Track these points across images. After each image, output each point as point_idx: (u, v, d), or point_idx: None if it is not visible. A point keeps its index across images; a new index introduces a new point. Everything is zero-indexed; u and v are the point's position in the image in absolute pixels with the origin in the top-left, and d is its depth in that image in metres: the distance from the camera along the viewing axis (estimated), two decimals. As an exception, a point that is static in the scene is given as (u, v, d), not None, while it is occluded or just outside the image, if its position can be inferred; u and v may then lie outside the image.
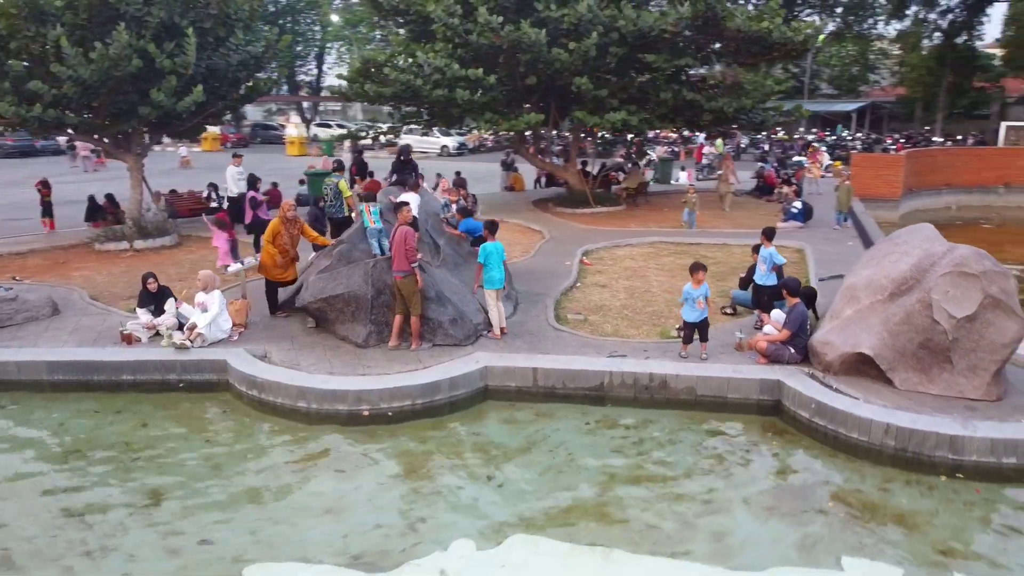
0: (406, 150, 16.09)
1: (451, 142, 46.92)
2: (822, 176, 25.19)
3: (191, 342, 9.42)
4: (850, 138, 41.84)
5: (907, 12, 45.87)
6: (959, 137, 40.84)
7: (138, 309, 10.20)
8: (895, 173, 23.59)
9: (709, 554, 5.93)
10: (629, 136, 24.91)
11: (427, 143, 44.61)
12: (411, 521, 6.44)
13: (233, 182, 16.70)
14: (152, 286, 10.12)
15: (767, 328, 9.23)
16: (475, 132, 40.29)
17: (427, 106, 20.79)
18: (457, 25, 18.45)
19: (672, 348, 9.43)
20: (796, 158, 32.00)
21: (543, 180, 27.33)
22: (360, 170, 23.02)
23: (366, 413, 8.22)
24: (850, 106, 49.41)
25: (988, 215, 25.64)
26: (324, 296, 9.72)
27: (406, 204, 9.71)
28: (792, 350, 8.69)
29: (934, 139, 40.45)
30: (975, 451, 6.92)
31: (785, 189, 23.81)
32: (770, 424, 8.15)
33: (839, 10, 48.92)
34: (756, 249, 10.88)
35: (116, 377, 9.17)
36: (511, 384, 8.84)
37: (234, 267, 11.04)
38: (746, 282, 11.28)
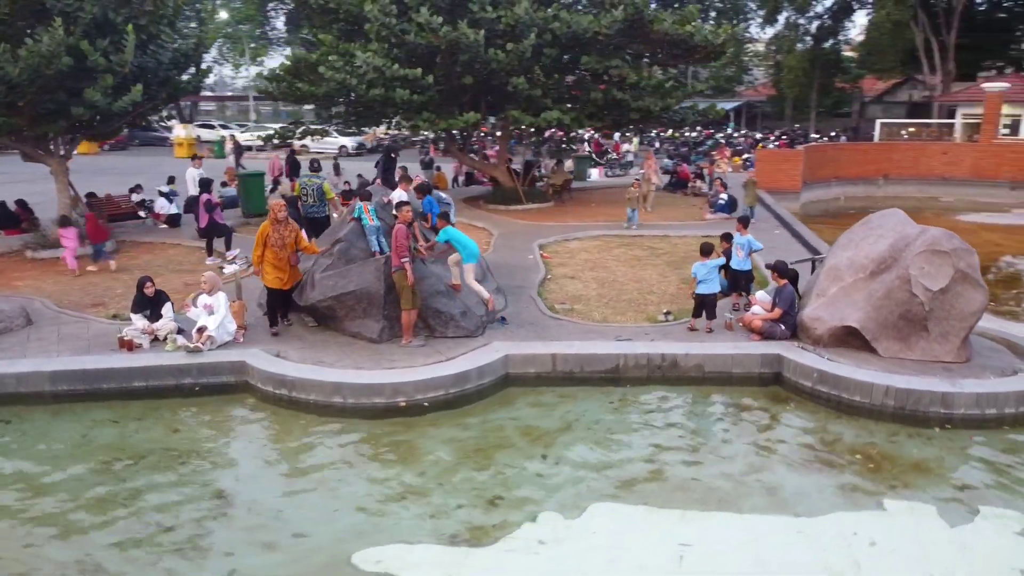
0: (394, 148, 16.17)
1: (350, 142, 46.40)
2: (728, 171, 26.88)
3: (202, 345, 9.30)
4: (736, 136, 44.46)
5: (778, 18, 49.23)
6: (833, 133, 44.23)
7: (133, 315, 9.93)
8: (795, 167, 25.53)
9: (769, 506, 6.63)
10: (558, 135, 25.70)
11: (326, 144, 43.91)
12: (488, 500, 6.80)
13: (193, 184, 16.23)
14: (149, 290, 9.88)
15: (755, 308, 10.11)
16: (372, 132, 40.09)
17: (361, 106, 20.76)
18: (394, 25, 18.59)
19: (669, 330, 10.17)
20: (699, 153, 33.87)
21: (460, 179, 27.72)
22: (293, 169, 22.78)
23: (403, 404, 8.46)
24: (728, 105, 52.48)
25: (873, 205, 28.10)
26: (335, 294, 9.82)
27: (407, 203, 9.97)
28: (783, 327, 9.59)
29: (811, 136, 43.59)
30: (963, 405, 7.99)
31: (698, 183, 25.38)
32: (773, 393, 9.00)
33: (713, 14, 51.91)
34: (726, 238, 11.79)
35: (127, 384, 8.95)
36: (531, 370, 9.29)
37: (229, 268, 10.87)
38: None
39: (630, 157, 32.56)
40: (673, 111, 21.13)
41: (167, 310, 9.93)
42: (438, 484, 7.07)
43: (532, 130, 23.42)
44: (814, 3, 45.96)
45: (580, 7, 20.95)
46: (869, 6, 47.23)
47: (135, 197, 19.45)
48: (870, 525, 6.27)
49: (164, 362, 9.07)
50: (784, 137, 43.72)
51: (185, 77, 18.90)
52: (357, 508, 6.68)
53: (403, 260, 9.42)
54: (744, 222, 11.30)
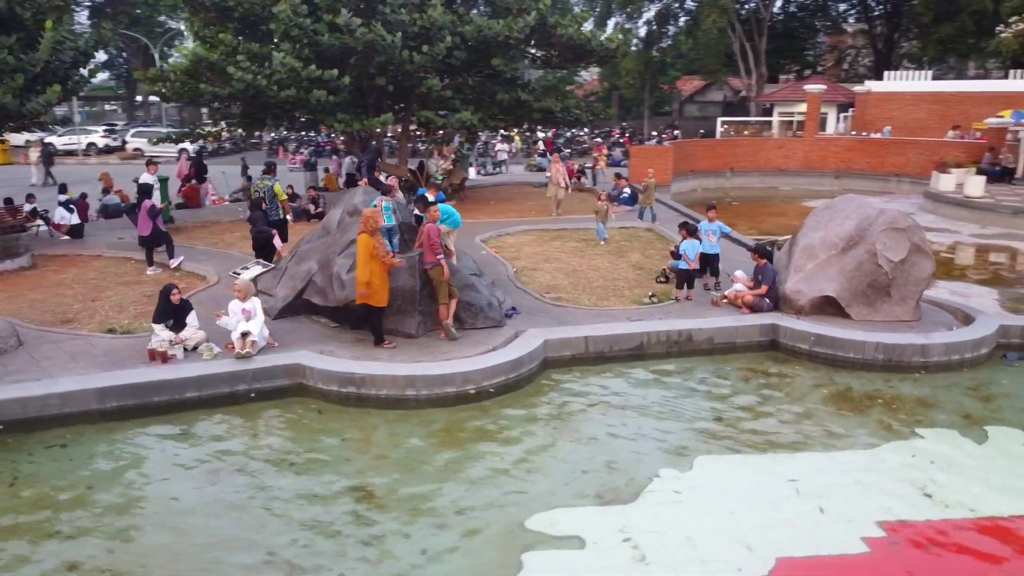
0: (379, 149, 16.09)
1: (191, 146, 44.09)
2: (606, 167, 28.83)
3: (251, 350, 9.25)
4: (582, 134, 47.01)
5: (608, 22, 52.54)
6: (676, 132, 47.92)
7: (156, 325, 9.62)
8: (666, 162, 27.87)
9: (833, 444, 7.93)
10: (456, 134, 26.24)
11: (164, 147, 41.52)
12: (605, 463, 7.58)
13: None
14: (176, 298, 9.63)
15: (738, 285, 11.52)
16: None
17: (265, 108, 20.35)
18: (308, 25, 18.50)
19: (661, 310, 11.36)
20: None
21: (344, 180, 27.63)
22: (199, 171, 21.87)
23: (472, 391, 8.98)
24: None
25: (725, 195, 31.16)
26: (369, 293, 10.06)
27: (434, 204, 10.43)
28: (768, 301, 11.06)
29: (652, 133, 47.05)
30: (936, 353, 9.79)
31: (582, 180, 27.04)
32: (773, 357, 10.43)
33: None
34: (684, 227, 13.18)
35: (180, 395, 8.76)
36: (566, 353, 10.10)
37: (250, 272, 10.69)
38: (677, 255, 13.49)
39: (503, 156, 33.74)
40: (571, 111, 22.51)
41: (192, 319, 9.73)
42: (551, 457, 7.74)
43: (440, 131, 23.86)
44: (644, 9, 49.55)
45: (481, 10, 21.71)
46: (689, 14, 51.76)
47: (27, 207, 17.89)
48: (920, 449, 7.73)
49: (217, 370, 8.96)
50: (625, 135, 46.89)
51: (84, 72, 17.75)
52: (496, 484, 7.20)
53: (438, 256, 9.88)
54: (713, 208, 12.72)
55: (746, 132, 36.81)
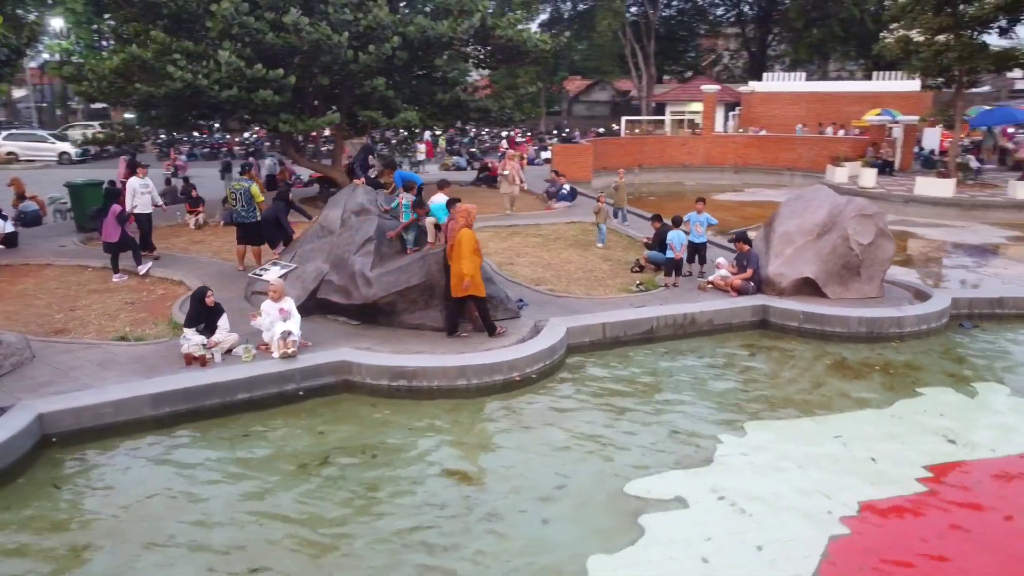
0: (371, 148, 15.95)
1: (72, 149, 41.69)
2: (527, 165, 29.60)
3: (295, 350, 9.31)
4: (483, 134, 47.76)
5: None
6: (577, 132, 49.40)
7: (187, 328, 9.49)
8: (587, 160, 29.01)
9: (856, 405, 8.93)
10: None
11: (39, 149, 39.15)
12: (667, 434, 8.25)
13: (131, 197, 14.59)
14: (210, 300, 9.53)
15: (722, 271, 12.50)
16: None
17: (207, 108, 19.77)
18: (252, 24, 18.22)
19: (657, 296, 12.18)
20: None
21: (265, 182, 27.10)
22: (132, 171, 20.95)
23: (518, 378, 9.44)
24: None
25: (636, 190, 32.66)
26: (398, 289, 10.31)
27: (459, 200, 10.78)
28: (752, 284, 12.09)
29: (553, 132, 48.38)
30: (908, 324, 11.08)
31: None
32: (765, 334, 11.44)
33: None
34: (656, 218, 14.11)
35: (230, 398, 8.74)
36: (586, 339, 10.71)
37: (274, 271, 10.61)
38: (650, 246, 14.36)
39: (420, 156, 33.89)
40: (506, 111, 23.10)
41: (224, 321, 9.65)
42: (614, 433, 8.32)
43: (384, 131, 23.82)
44: (540, 11, 50.84)
45: (418, 10, 21.93)
46: (579, 16, 53.56)
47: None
48: (927, 405, 8.86)
49: (266, 371, 8.98)
50: (529, 135, 47.98)
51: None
52: (579, 458, 7.72)
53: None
54: (703, 200, 13.67)
55: (658, 131, 38.56)
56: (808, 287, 11.95)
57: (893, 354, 10.58)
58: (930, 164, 31.72)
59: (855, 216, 11.87)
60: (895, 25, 27.83)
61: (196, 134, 41.04)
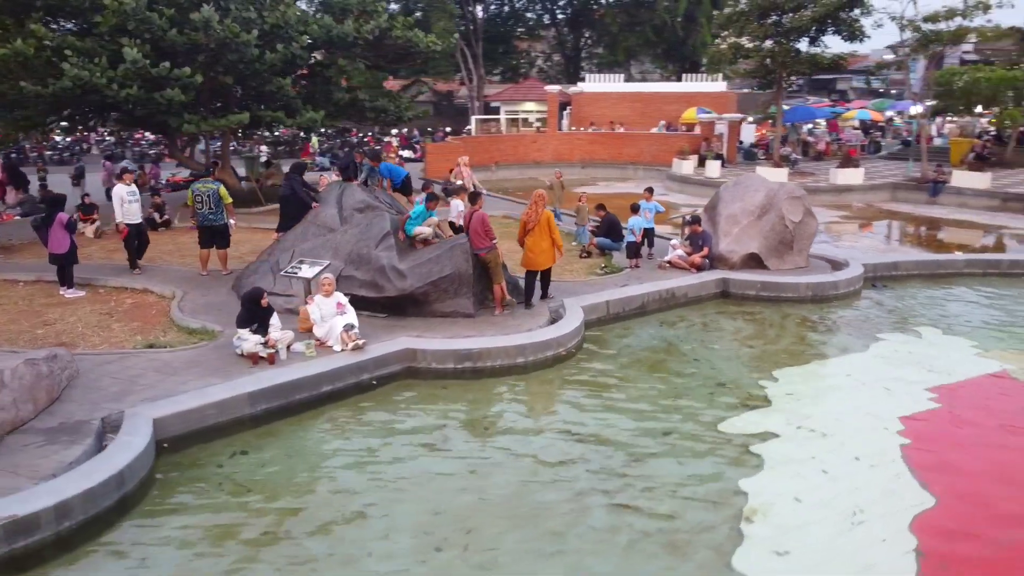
0: (360, 152, 15.67)
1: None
2: (400, 163, 30.08)
3: (361, 341, 9.65)
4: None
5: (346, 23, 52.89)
6: (429, 129, 50.05)
7: (242, 329, 9.50)
8: (460, 156, 29.87)
9: (845, 352, 10.81)
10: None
11: None
12: (716, 385, 9.63)
13: (124, 205, 13.40)
14: (265, 302, 9.59)
15: (679, 252, 14.15)
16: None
17: (100, 108, 18.56)
18: (155, 20, 17.52)
19: (631, 277, 13.62)
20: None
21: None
22: (15, 179, 19.26)
23: (564, 352, 10.42)
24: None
25: (495, 186, 34.07)
26: (432, 280, 10.87)
27: (480, 194, 11.54)
28: (708, 261, 13.87)
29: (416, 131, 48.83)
30: (842, 287, 13.33)
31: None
32: (729, 303, 13.23)
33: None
34: (601, 207, 15.57)
35: (317, 391, 8.98)
36: (594, 316, 11.86)
37: (312, 269, 10.65)
38: (597, 232, 15.75)
39: (264, 157, 33.07)
40: (402, 111, 23.57)
41: (276, 319, 9.76)
42: (674, 387, 9.58)
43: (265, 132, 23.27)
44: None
45: (319, 10, 21.85)
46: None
47: None
48: (894, 347, 10.95)
49: (345, 363, 9.28)
50: (401, 135, 48.12)
51: None
52: (662, 412, 8.88)
53: (493, 241, 11.07)
54: (651, 191, 15.21)
55: (493, 130, 40.17)
56: (752, 261, 13.90)
57: (841, 311, 12.75)
58: (750, 156, 36.06)
59: (787, 198, 13.99)
60: (725, 32, 31.34)
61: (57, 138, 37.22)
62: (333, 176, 17.05)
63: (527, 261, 11.58)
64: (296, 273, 10.61)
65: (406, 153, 39.68)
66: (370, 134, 46.90)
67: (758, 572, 5.94)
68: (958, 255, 16.08)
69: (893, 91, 69.39)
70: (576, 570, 6.02)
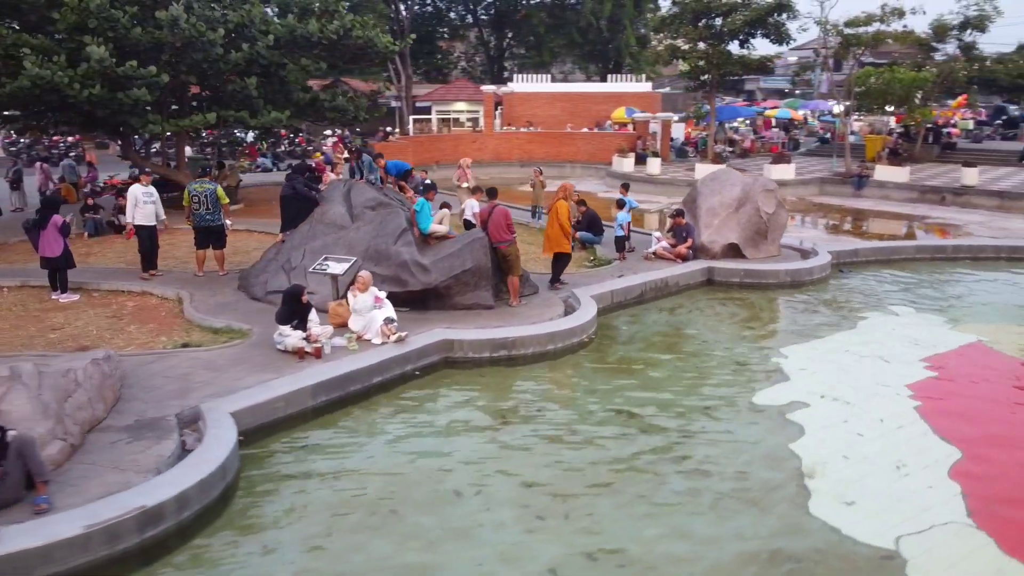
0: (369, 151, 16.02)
1: None
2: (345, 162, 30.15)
3: (401, 334, 9.95)
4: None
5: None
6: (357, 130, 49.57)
7: (283, 326, 9.66)
8: (405, 157, 30.06)
9: (834, 329, 11.77)
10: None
11: None
12: (736, 364, 10.40)
13: (138, 206, 12.96)
14: (305, 299, 9.76)
15: (663, 243, 14.95)
16: None
17: (58, 108, 17.95)
18: (120, 18, 17.16)
19: (624, 268, 14.34)
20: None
21: (46, 190, 24.65)
22: None
23: (586, 339, 11.00)
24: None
25: (441, 184, 34.38)
26: (454, 273, 11.24)
27: (495, 193, 12.05)
28: (692, 252, 14.73)
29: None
30: (815, 273, 14.41)
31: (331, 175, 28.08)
32: (716, 290, 14.10)
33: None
34: (582, 203, 16.23)
35: (368, 382, 9.25)
36: (600, 305, 12.44)
37: (340, 266, 10.80)
38: (579, 227, 16.36)
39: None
40: (361, 111, 23.62)
41: (314, 315, 9.95)
42: (698, 365, 10.31)
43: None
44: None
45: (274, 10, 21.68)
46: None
47: None
48: (878, 324, 11.99)
49: (390, 354, 9.57)
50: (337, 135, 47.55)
51: None
52: (694, 387, 9.58)
53: (513, 235, 11.55)
54: (627, 186, 15.93)
55: (425, 130, 40.48)
56: (732, 250, 14.84)
57: (818, 294, 13.80)
58: (682, 154, 37.57)
59: (762, 192, 15.00)
60: (660, 35, 32.62)
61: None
62: (333, 175, 17.08)
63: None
64: (325, 270, 10.78)
65: (345, 154, 39.37)
66: (301, 134, 46.23)
67: (834, 519, 6.66)
68: (908, 242, 17.53)
69: (798, 91, 73.25)
70: (674, 529, 6.59)
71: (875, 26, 28.16)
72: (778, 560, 6.10)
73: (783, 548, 6.26)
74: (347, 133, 49.29)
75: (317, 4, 20.82)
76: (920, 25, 30.97)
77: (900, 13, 27.83)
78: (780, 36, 30.09)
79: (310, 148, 44.19)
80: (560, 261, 12.77)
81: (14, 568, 5.46)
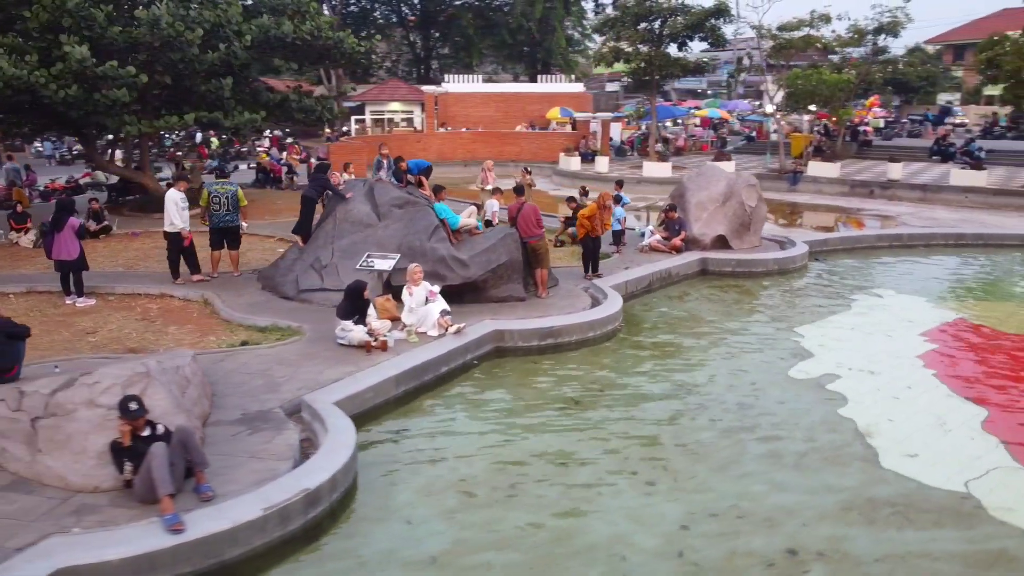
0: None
1: None
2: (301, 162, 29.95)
3: (460, 325, 10.40)
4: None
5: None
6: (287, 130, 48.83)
7: (345, 321, 9.96)
8: (362, 156, 30.14)
9: (831, 312, 12.88)
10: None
11: None
12: (761, 342, 11.31)
13: (176, 210, 12.62)
14: (367, 294, 10.08)
15: (656, 237, 15.83)
16: None
17: (37, 109, 17.40)
18: (97, 17, 16.85)
19: (624, 261, 15.15)
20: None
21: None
22: None
23: (617, 326, 11.71)
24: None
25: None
26: (491, 267, 11.74)
27: (523, 190, 12.59)
28: (685, 244, 15.68)
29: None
30: (798, 262, 15.58)
31: (294, 178, 28.04)
32: (711, 278, 15.08)
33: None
34: (571, 200, 16.97)
35: (438, 371, 9.68)
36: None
37: (385, 262, 11.09)
38: (569, 223, 17.09)
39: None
40: (329, 111, 23.64)
41: (372, 310, 10.28)
42: (730, 348, 11.16)
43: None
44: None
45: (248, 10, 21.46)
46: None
47: None
48: (868, 306, 13.18)
49: (453, 345, 10.02)
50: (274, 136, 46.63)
51: None
52: (734, 364, 10.43)
53: (542, 230, 12.16)
54: (621, 184, 16.72)
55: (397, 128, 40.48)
56: (720, 242, 15.86)
57: (806, 281, 14.98)
58: (621, 153, 38.88)
59: (745, 187, 16.09)
60: (602, 37, 33.74)
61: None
62: (345, 176, 17.17)
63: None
64: (371, 267, 11.09)
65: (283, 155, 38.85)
66: (231, 136, 45.27)
67: (906, 470, 7.58)
68: (869, 231, 19.05)
69: (710, 92, 76.41)
70: (773, 485, 7.36)
71: (804, 30, 29.98)
72: (877, 505, 6.95)
73: (875, 496, 7.12)
74: (280, 133, 48.58)
75: (290, 5, 20.73)
76: (842, 30, 32.95)
77: (827, 19, 29.76)
78: (716, 39, 31.62)
79: (243, 149, 43.44)
80: (588, 250, 13.61)
81: (207, 551, 5.71)
